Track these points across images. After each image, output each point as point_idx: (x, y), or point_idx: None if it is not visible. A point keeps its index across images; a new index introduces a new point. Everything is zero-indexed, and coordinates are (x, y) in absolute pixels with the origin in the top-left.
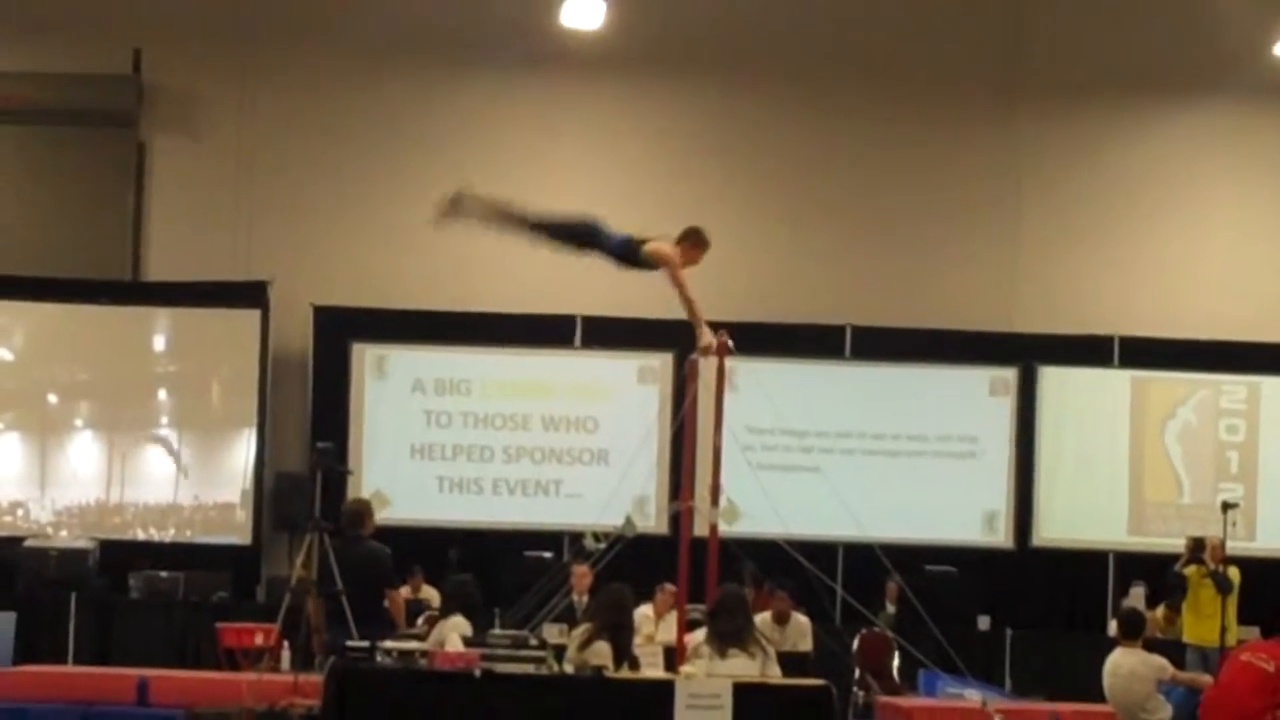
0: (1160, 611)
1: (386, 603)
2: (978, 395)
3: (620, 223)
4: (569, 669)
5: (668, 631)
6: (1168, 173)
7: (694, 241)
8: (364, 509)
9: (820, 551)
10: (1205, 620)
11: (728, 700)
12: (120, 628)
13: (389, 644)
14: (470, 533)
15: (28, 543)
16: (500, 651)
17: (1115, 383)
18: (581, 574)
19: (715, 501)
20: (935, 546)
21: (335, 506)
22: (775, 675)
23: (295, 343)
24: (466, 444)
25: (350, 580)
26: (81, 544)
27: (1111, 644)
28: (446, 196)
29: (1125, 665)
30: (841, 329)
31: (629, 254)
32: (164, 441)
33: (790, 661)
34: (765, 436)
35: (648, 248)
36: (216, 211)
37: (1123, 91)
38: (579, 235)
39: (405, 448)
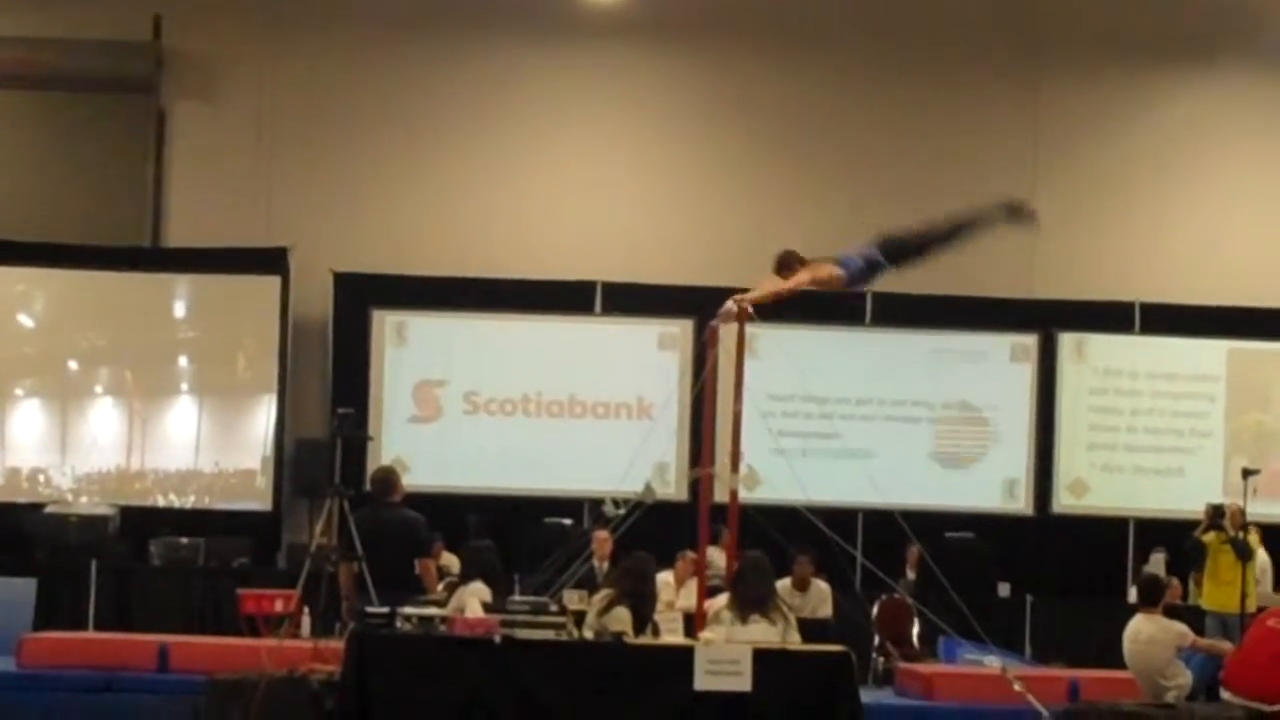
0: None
1: (418, 569)
2: (998, 361)
3: (633, 186)
4: (589, 635)
5: (688, 598)
6: (1189, 138)
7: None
8: (393, 476)
9: (840, 518)
10: (1225, 587)
11: (747, 666)
12: (140, 594)
13: (409, 610)
14: (490, 499)
15: (48, 509)
16: (520, 618)
17: (1138, 349)
18: (602, 540)
19: (735, 468)
20: (955, 513)
21: (356, 473)
22: (795, 641)
23: (315, 309)
24: (487, 411)
25: (385, 547)
26: (102, 510)
27: (1131, 611)
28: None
29: (1145, 632)
30: (862, 295)
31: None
32: (184, 408)
33: (810, 628)
34: (786, 403)
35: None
36: (236, 178)
37: (1143, 56)
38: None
39: (424, 414)
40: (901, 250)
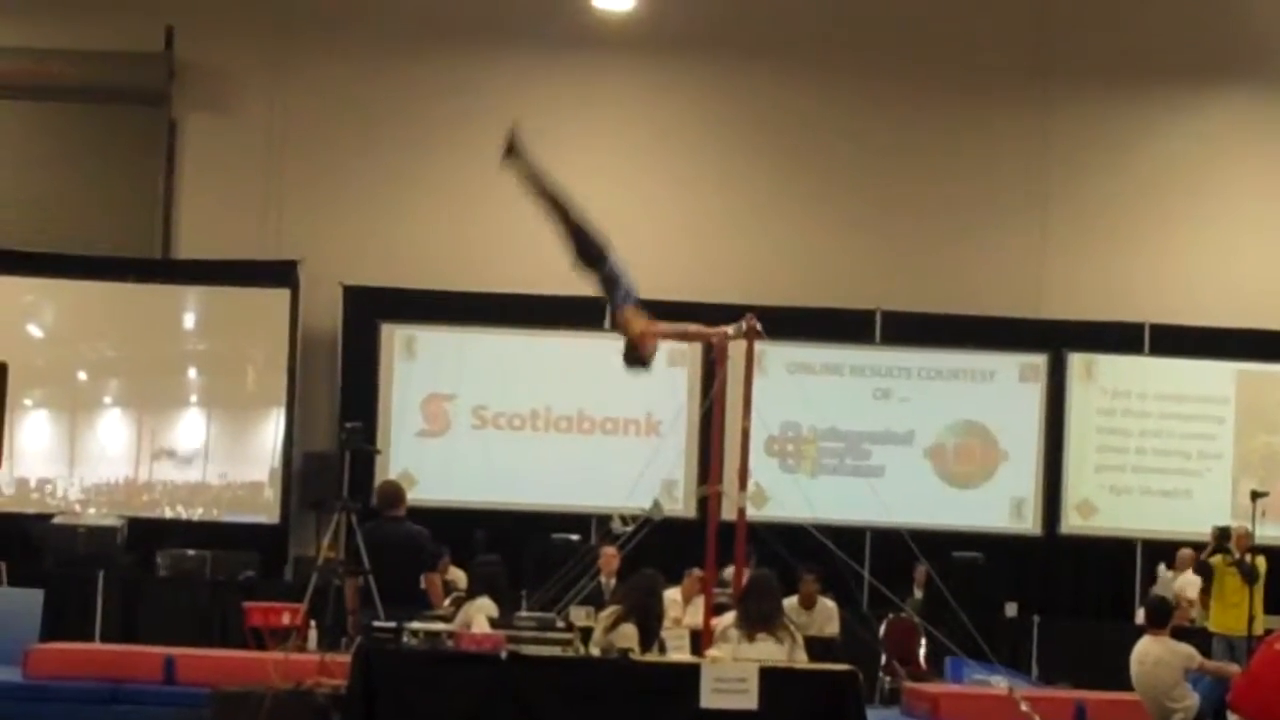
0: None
1: (424, 584)
2: (1007, 381)
3: (643, 201)
4: (595, 651)
5: (695, 616)
6: (1198, 160)
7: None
8: (398, 490)
9: (848, 536)
10: (1231, 609)
11: (754, 684)
12: (147, 606)
13: (415, 625)
14: (498, 514)
15: (56, 520)
16: (527, 633)
17: (1147, 370)
18: (609, 556)
19: (743, 485)
20: (963, 533)
21: (364, 486)
22: (802, 660)
23: (324, 322)
24: (495, 425)
25: (390, 562)
26: (109, 521)
27: (1139, 632)
28: (507, 133)
29: (1152, 654)
30: (871, 313)
31: (618, 302)
32: (192, 420)
33: (817, 646)
34: (794, 426)
35: (627, 313)
36: (247, 190)
37: (1153, 78)
38: (591, 248)
39: (432, 428)
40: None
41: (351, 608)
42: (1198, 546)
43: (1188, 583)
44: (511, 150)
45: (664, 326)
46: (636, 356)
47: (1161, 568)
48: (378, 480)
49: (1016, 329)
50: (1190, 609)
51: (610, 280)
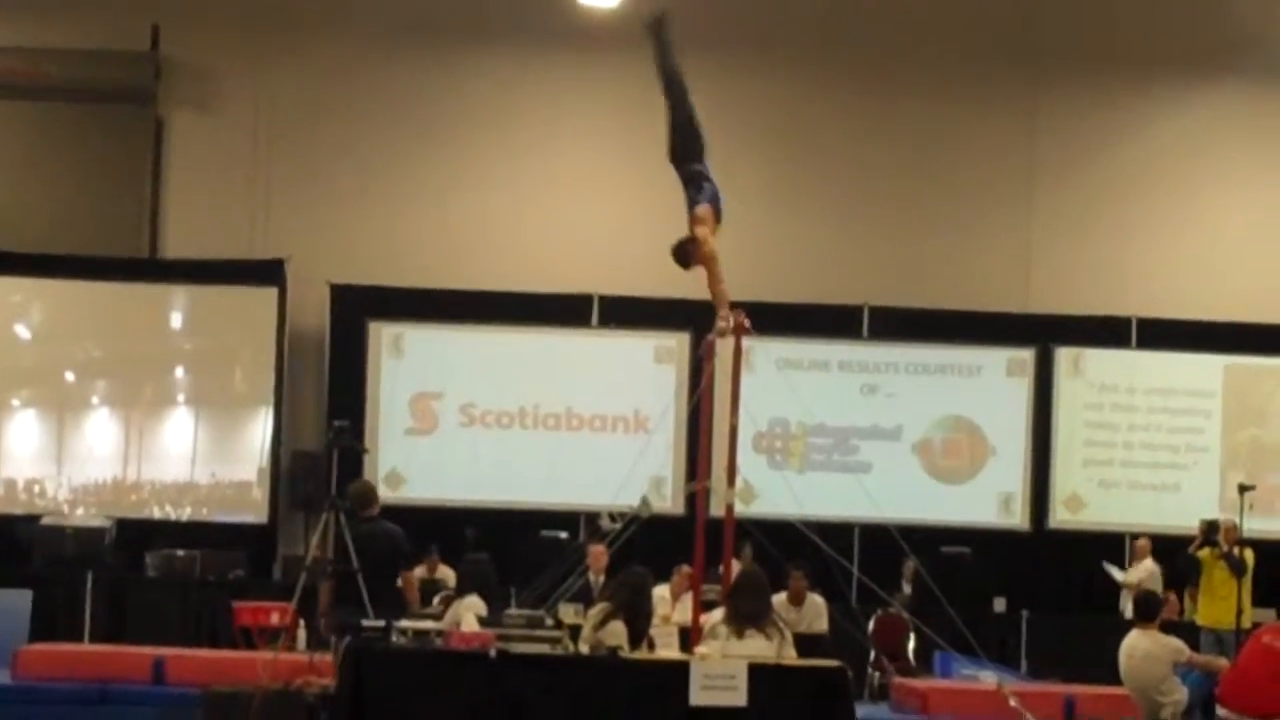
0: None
1: (400, 582)
2: (994, 376)
3: (631, 199)
4: (584, 649)
5: (684, 612)
6: (1185, 154)
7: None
8: (371, 490)
9: (836, 532)
10: (1220, 603)
11: (743, 681)
12: (136, 606)
13: (404, 624)
14: (486, 512)
15: (44, 520)
16: (516, 631)
17: (1134, 364)
18: (597, 554)
19: (731, 482)
20: (951, 528)
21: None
22: (791, 657)
23: (312, 321)
24: (484, 423)
25: (367, 561)
26: (98, 522)
27: (1127, 626)
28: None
29: (1141, 647)
30: (859, 309)
31: (696, 198)
32: (180, 419)
33: (806, 642)
34: (781, 422)
35: (700, 213)
36: (234, 189)
37: (1139, 71)
38: (692, 144)
39: (421, 426)
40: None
41: (323, 608)
42: (1186, 540)
43: (1146, 572)
44: (658, 22)
45: (714, 263)
46: (682, 256)
47: (1111, 568)
48: (367, 479)
49: (1003, 324)
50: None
51: (697, 177)
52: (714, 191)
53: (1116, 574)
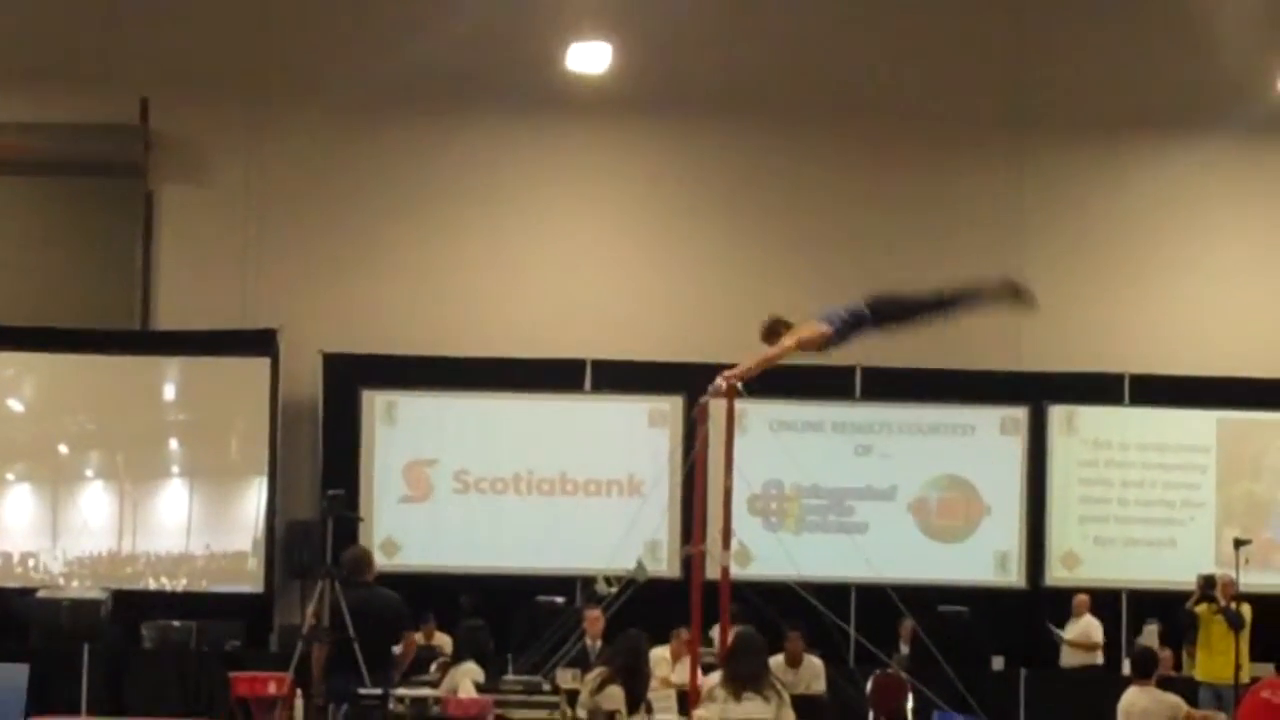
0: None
1: (399, 648)
2: (988, 434)
3: (621, 264)
4: (582, 714)
5: (683, 675)
6: (1173, 209)
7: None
8: (366, 556)
9: (833, 593)
10: (1218, 657)
11: None
12: (133, 678)
13: (402, 691)
14: (482, 578)
15: (40, 594)
16: (513, 697)
17: (1128, 420)
18: (594, 618)
19: (726, 544)
20: (948, 587)
21: None
22: (789, 718)
23: (305, 390)
24: (478, 490)
25: (363, 627)
26: (93, 594)
27: (1126, 683)
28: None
29: (1139, 704)
30: (851, 370)
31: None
32: (175, 490)
33: (804, 704)
34: (776, 484)
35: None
36: (225, 260)
37: (1125, 128)
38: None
39: (415, 494)
40: (891, 310)
41: (317, 674)
42: (1183, 596)
43: (1084, 628)
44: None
45: (782, 354)
46: (772, 331)
47: (1052, 627)
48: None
49: (996, 382)
50: (1096, 652)
51: (853, 308)
52: (834, 316)
53: (1058, 632)
